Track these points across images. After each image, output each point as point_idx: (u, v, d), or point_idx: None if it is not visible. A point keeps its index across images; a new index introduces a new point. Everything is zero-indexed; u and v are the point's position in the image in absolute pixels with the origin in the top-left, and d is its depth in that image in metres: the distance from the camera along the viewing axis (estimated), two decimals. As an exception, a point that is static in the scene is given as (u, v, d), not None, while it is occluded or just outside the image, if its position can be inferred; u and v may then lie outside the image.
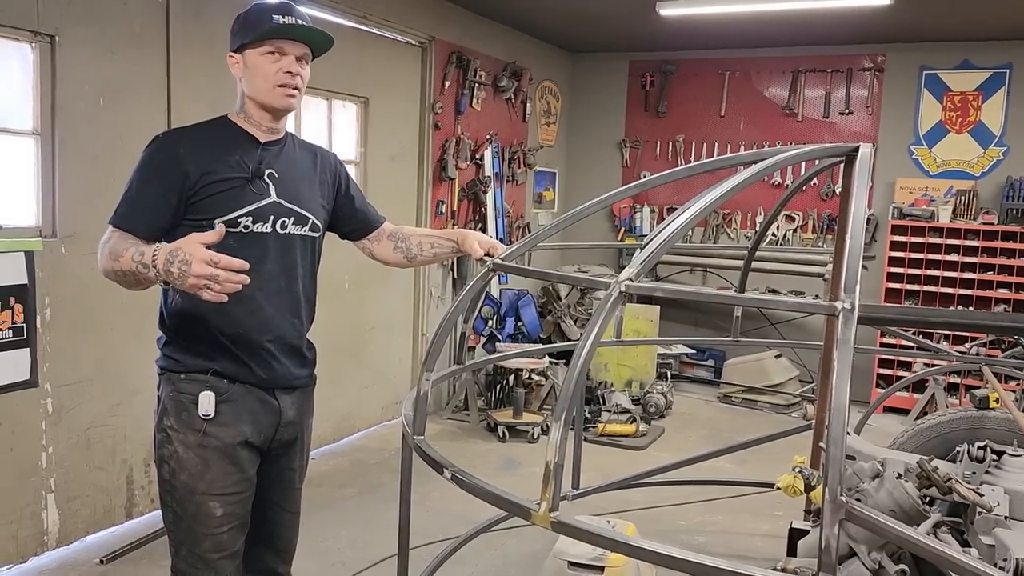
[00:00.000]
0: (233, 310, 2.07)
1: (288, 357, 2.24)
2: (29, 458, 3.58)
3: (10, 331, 3.42)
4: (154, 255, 1.88)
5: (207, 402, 2.11)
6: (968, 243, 6.66)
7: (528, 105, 7.35)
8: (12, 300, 3.41)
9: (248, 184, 2.14)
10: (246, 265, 1.87)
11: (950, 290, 6.69)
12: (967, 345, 5.79)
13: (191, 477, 2.11)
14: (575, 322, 7.24)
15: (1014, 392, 4.38)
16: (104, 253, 2.00)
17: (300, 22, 2.13)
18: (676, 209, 1.97)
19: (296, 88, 2.16)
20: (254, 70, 2.13)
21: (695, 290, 1.87)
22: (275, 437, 2.25)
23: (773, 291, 7.28)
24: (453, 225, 6.37)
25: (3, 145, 3.54)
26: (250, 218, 2.13)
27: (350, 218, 2.48)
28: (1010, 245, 6.54)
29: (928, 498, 2.62)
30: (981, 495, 2.51)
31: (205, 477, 2.11)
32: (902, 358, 6.66)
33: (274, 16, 2.10)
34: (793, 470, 2.38)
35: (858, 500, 2.48)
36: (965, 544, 2.59)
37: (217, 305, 1.90)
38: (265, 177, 2.17)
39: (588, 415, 5.85)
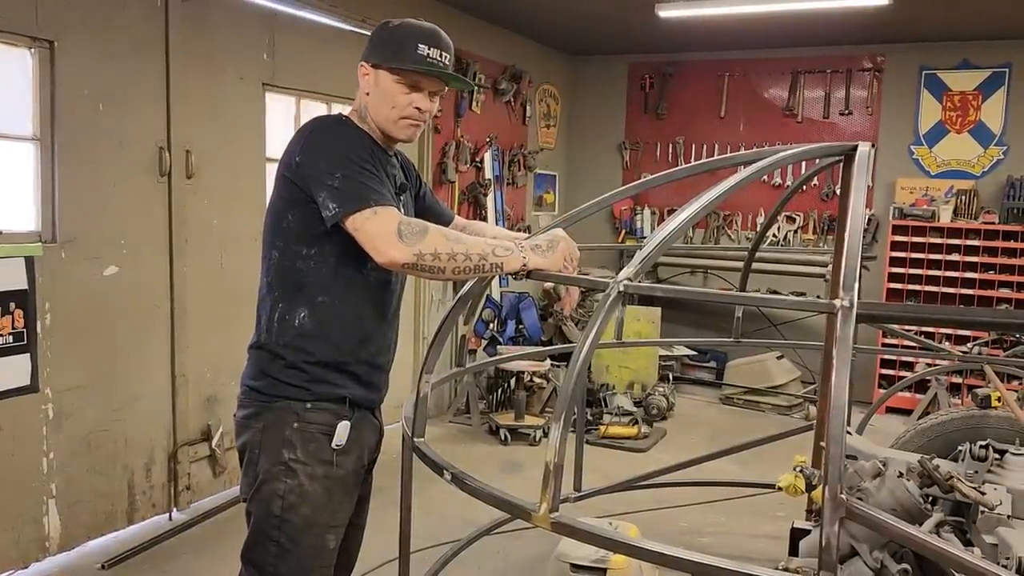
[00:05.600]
0: (370, 331, 2.04)
1: (387, 375, 2.21)
2: (30, 464, 3.58)
3: (10, 336, 3.42)
4: (519, 241, 1.92)
5: (343, 432, 2.01)
6: (969, 243, 6.66)
7: (528, 108, 7.36)
8: (12, 305, 3.42)
9: (399, 199, 2.05)
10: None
11: (951, 290, 6.68)
12: (969, 345, 5.78)
13: (313, 510, 1.98)
14: (576, 324, 7.23)
15: (1016, 391, 4.37)
16: (428, 236, 1.81)
17: (445, 56, 2.00)
18: (676, 211, 1.97)
19: (421, 122, 2.04)
20: (383, 94, 1.99)
21: (694, 289, 1.87)
22: (373, 457, 2.22)
23: (774, 292, 7.27)
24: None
25: (3, 150, 3.54)
26: None
27: (422, 213, 2.29)
28: (1011, 244, 6.54)
29: (930, 497, 2.62)
30: (983, 494, 2.50)
31: (327, 509, 2.01)
32: (904, 358, 6.65)
33: (420, 45, 1.96)
34: (794, 469, 2.37)
35: (859, 499, 2.48)
36: (967, 543, 2.58)
37: (354, 326, 1.96)
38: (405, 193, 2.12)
39: (590, 417, 5.84)
